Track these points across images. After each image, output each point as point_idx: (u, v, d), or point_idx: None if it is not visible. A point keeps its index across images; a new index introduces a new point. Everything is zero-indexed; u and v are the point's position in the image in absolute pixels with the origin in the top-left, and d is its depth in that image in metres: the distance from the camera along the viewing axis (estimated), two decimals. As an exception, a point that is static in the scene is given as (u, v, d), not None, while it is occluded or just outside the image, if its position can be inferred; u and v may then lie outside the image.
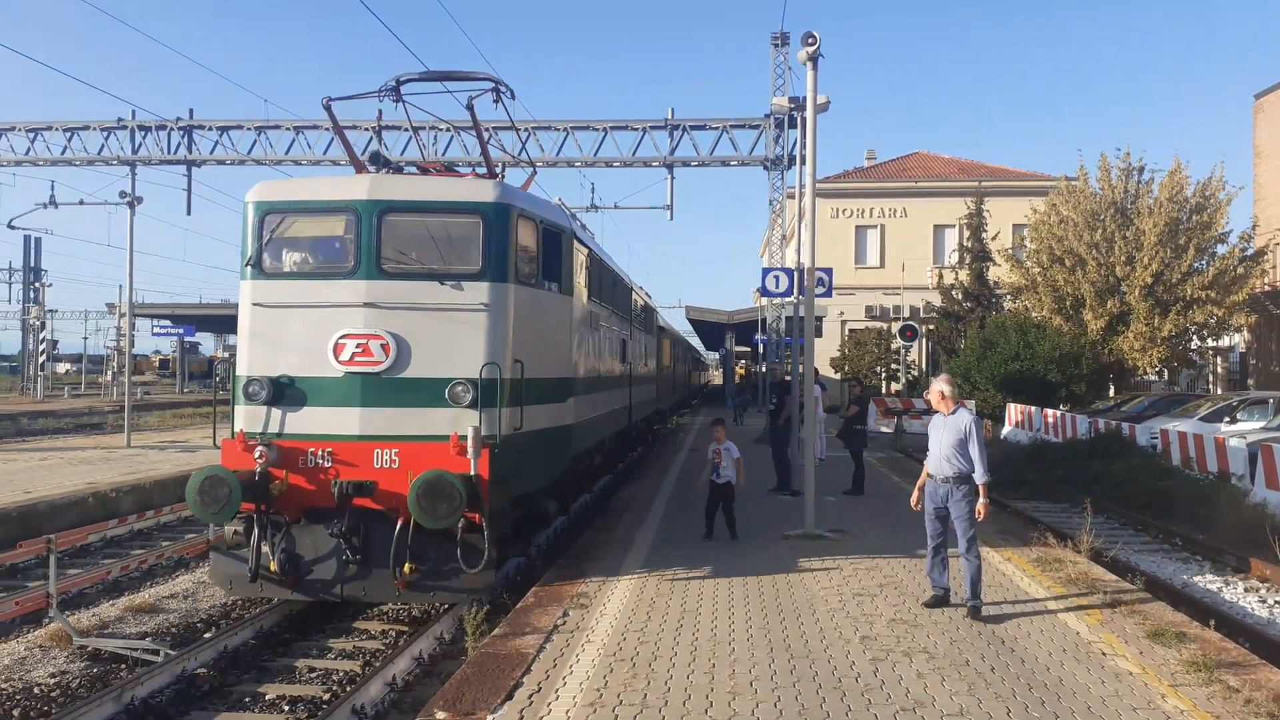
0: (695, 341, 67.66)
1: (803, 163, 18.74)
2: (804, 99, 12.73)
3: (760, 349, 37.91)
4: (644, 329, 21.13)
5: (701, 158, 31.50)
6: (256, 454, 8.41)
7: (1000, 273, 35.99)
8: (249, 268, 9.21)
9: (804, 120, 13.39)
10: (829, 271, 15.32)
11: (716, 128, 31.41)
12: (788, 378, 16.54)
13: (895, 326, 35.72)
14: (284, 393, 8.84)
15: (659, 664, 6.74)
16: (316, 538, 8.68)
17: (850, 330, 44.50)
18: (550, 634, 7.46)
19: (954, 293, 37.44)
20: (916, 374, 39.09)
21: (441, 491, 7.99)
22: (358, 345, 8.70)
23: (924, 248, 44.18)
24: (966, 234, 38.27)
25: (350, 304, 8.79)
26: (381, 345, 8.70)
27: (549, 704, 5.99)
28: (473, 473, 8.22)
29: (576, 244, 11.27)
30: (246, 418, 8.88)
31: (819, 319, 21.81)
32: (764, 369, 37.49)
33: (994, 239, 36.84)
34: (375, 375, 8.69)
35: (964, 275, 37.55)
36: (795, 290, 15.72)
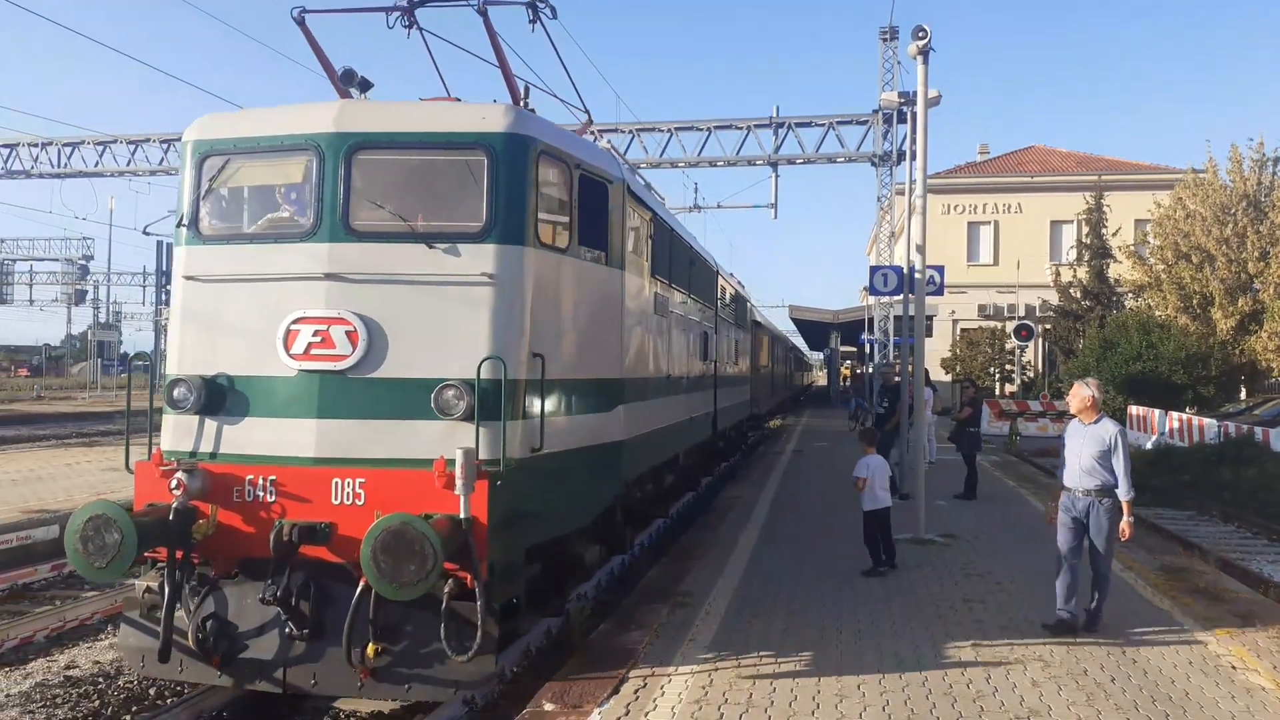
0: (799, 341, 67.00)
1: (913, 158, 18.39)
2: (914, 94, 12.49)
3: (867, 349, 37.29)
4: (734, 322, 18.67)
5: (807, 155, 31.19)
6: (173, 483, 6.16)
7: (1121, 270, 34.59)
8: (183, 229, 7.05)
9: (914, 115, 13.16)
10: (940, 269, 14.97)
11: (823, 124, 31.04)
12: (897, 379, 16.22)
13: (1010, 326, 34.66)
14: (221, 398, 6.68)
15: (764, 665, 6.71)
16: (255, 600, 6.32)
17: (962, 330, 43.38)
18: (656, 630, 7.50)
19: (1072, 291, 36.16)
20: (1032, 375, 37.86)
21: (407, 547, 5.60)
22: (315, 333, 6.46)
23: (1040, 244, 42.73)
24: (1085, 230, 36.92)
25: (307, 275, 6.56)
26: (347, 332, 6.43)
27: (655, 700, 6.04)
28: (463, 514, 5.88)
29: (631, 202, 8.72)
30: (174, 431, 6.78)
31: (929, 318, 21.45)
32: (870, 369, 36.86)
33: (1115, 235, 35.42)
34: (338, 374, 6.43)
35: (1083, 273, 36.23)
36: (905, 289, 15.42)
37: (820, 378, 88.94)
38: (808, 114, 31.38)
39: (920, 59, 11.57)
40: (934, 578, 9.41)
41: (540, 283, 6.89)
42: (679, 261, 11.65)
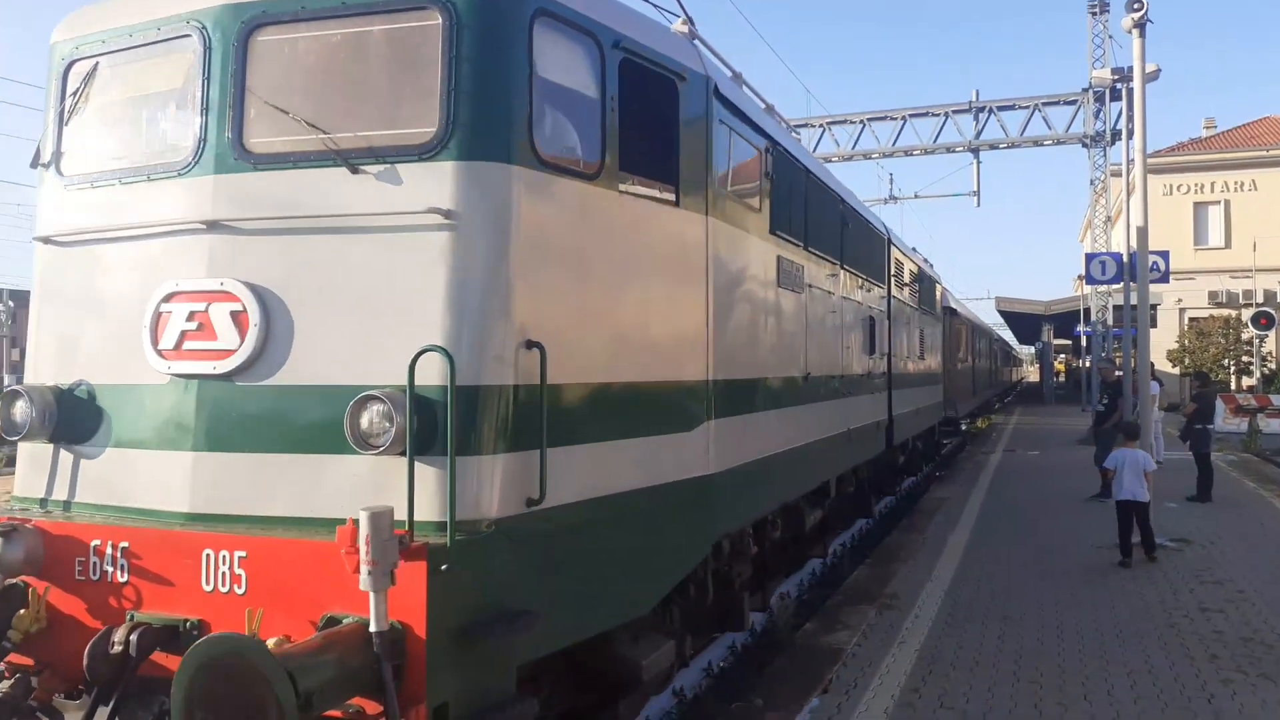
0: (1007, 335, 64.00)
1: (1129, 137, 17.29)
2: (1129, 69, 11.77)
3: (1083, 342, 35.18)
4: (917, 307, 15.54)
5: (1011, 139, 29.86)
6: None
7: (1381, 247, 31.01)
8: (44, 169, 5.05)
9: (1130, 92, 12.37)
10: (1164, 254, 14.02)
11: (1027, 106, 29.61)
12: (1118, 373, 15.25)
13: (1246, 314, 31.80)
14: (81, 419, 4.64)
15: (979, 669, 6.50)
16: None
17: (1190, 319, 40.11)
18: (864, 633, 7.41)
19: (1321, 272, 32.72)
20: (1274, 367, 34.58)
21: (236, 697, 3.27)
22: (191, 315, 4.34)
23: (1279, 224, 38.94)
24: (1335, 205, 33.33)
25: (181, 227, 4.45)
26: (233, 313, 4.28)
27: (866, 701, 5.98)
28: (373, 625, 3.54)
29: (728, 115, 6.10)
30: (27, 467, 4.82)
31: (1153, 307, 20.03)
32: (1087, 364, 34.71)
33: (1372, 208, 31.80)
34: (221, 380, 4.29)
35: (1333, 252, 32.71)
36: (1125, 276, 14.50)
37: (1032, 373, 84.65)
38: (1010, 96, 30.03)
39: (1136, 32, 10.89)
40: (1164, 583, 8.80)
41: (540, 226, 4.47)
42: (822, 218, 8.81)
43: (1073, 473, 16.56)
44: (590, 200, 4.76)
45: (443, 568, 3.75)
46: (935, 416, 18.38)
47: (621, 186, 4.94)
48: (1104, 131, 28.53)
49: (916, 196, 34.49)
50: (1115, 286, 17.22)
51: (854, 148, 31.10)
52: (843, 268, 9.68)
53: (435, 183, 4.21)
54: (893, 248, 13.19)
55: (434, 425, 4.00)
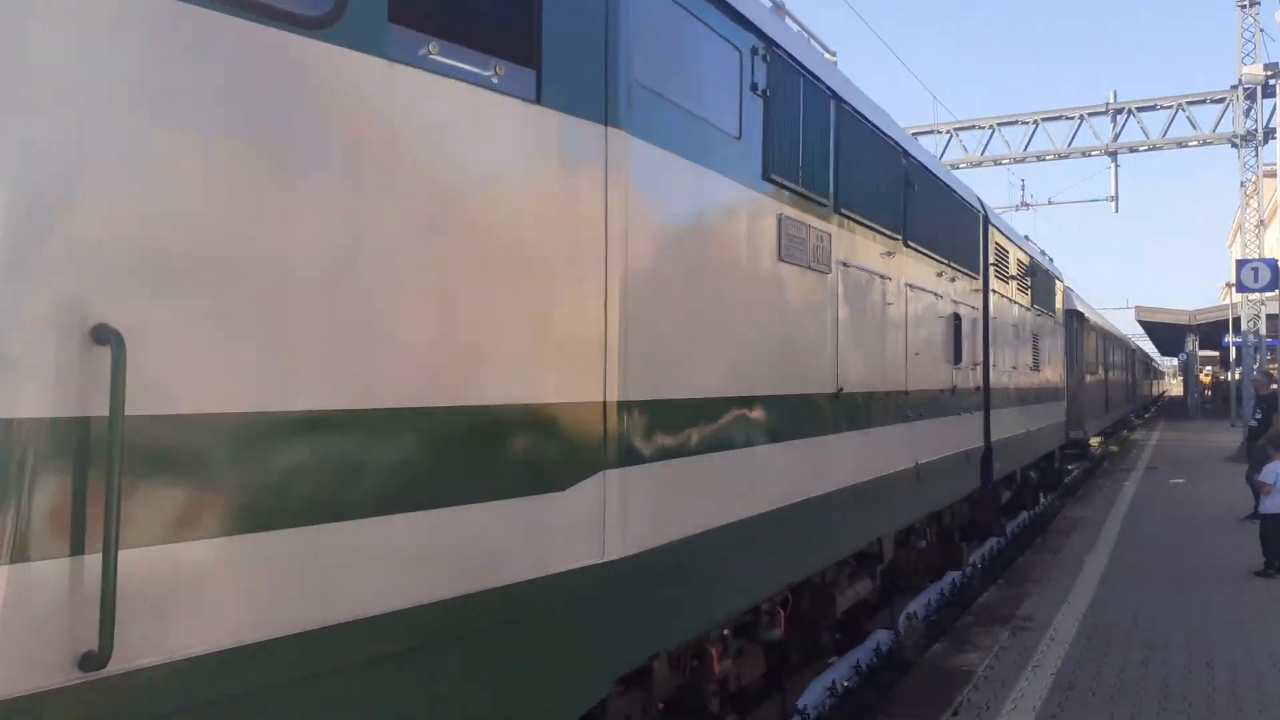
0: (1146, 346, 61.00)
1: (1285, 136, 16.29)
2: (1285, 63, 11.08)
3: (1232, 353, 33.23)
4: (1030, 306, 13.12)
5: (1152, 141, 28.50)
6: None
7: None
8: None
9: (1286, 87, 11.65)
10: (1324, 260, 13.10)
11: (1169, 106, 28.22)
12: (1273, 386, 14.33)
13: None
14: None
15: (1121, 697, 6.20)
16: None
17: (1353, 328, 37.41)
18: (996, 654, 7.16)
19: None
20: None
21: None
22: None
23: None
24: None
25: None
26: None
27: (997, 726, 5.78)
28: None
29: None
30: None
31: (1310, 316, 18.71)
32: (1237, 376, 32.77)
33: None
34: None
35: None
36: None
37: (1174, 386, 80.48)
38: (1150, 96, 28.71)
39: (1293, 24, 10.25)
40: (1329, 614, 8.22)
41: (168, 101, 2.30)
42: (868, 172, 6.55)
43: (1222, 492, 15.65)
44: (311, 69, 2.61)
45: None
46: (1055, 440, 15.81)
47: (396, 54, 2.80)
48: (1256, 130, 26.95)
49: (1050, 203, 33.39)
50: (1269, 294, 16.19)
51: (983, 153, 30.24)
52: (906, 245, 7.32)
53: None
54: (991, 228, 10.63)
55: None
